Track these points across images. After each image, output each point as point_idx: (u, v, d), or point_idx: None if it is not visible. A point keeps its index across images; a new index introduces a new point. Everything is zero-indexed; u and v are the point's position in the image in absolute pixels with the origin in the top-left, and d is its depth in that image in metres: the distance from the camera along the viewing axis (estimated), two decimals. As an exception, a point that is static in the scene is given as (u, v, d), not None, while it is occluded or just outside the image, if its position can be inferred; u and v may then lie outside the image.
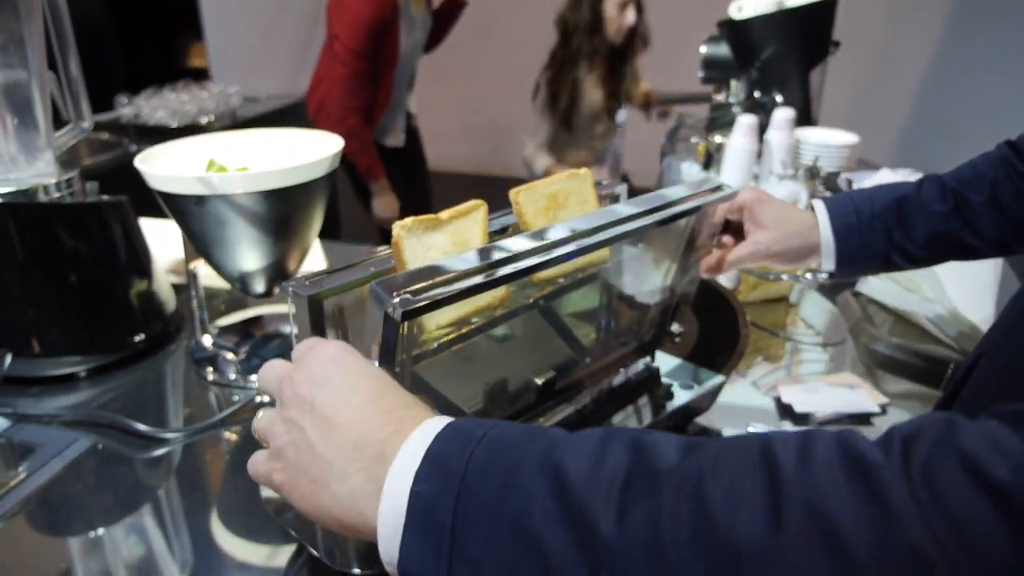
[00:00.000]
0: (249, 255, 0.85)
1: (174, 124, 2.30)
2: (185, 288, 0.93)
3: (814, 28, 1.68)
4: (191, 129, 2.34)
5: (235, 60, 3.87)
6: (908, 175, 1.50)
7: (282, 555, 0.66)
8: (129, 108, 2.37)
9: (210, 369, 0.93)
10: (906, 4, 3.54)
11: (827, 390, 0.87)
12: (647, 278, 0.77)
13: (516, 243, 0.55)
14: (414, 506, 0.37)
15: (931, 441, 0.31)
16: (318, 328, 0.55)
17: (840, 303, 1.11)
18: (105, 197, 0.94)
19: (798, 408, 0.84)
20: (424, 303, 0.46)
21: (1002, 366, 0.55)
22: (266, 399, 0.88)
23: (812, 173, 1.46)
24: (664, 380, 0.82)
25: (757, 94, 1.69)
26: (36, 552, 0.67)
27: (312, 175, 0.81)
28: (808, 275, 1.13)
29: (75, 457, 0.77)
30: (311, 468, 0.41)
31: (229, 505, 0.72)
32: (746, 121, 1.44)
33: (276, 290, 0.91)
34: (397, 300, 0.45)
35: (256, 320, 1.03)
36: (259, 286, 0.89)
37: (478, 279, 0.50)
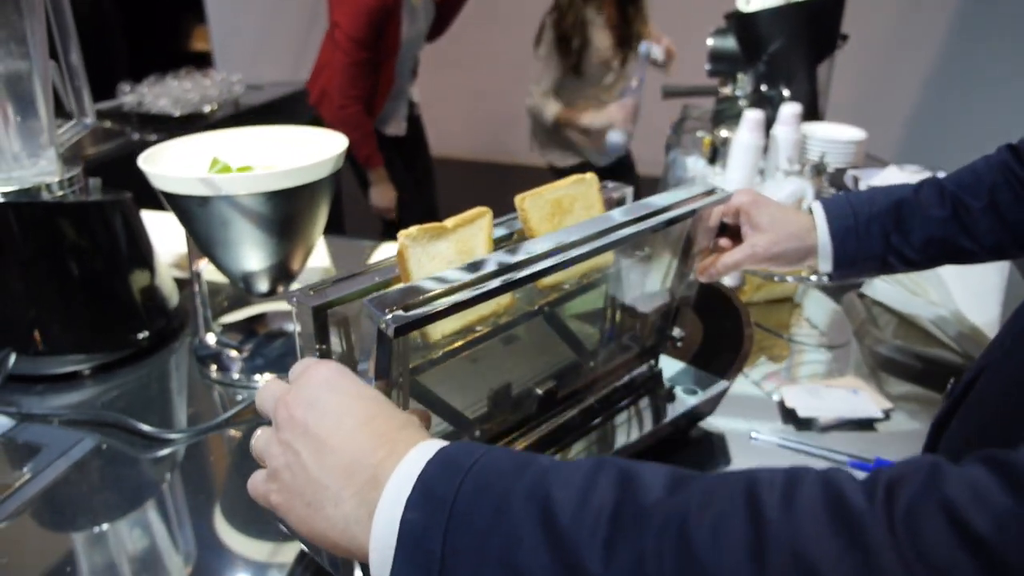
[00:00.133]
0: (253, 255, 0.85)
1: (177, 113, 2.29)
2: (188, 282, 0.93)
3: (822, 21, 1.66)
4: (193, 118, 2.33)
5: (238, 43, 3.85)
6: (916, 171, 1.49)
7: (286, 552, 0.66)
8: (132, 96, 2.36)
9: (214, 367, 0.93)
10: (914, -4, 3.51)
11: (831, 394, 0.87)
12: (645, 284, 0.77)
13: (508, 255, 0.55)
14: (404, 534, 0.37)
15: (915, 487, 0.31)
16: (323, 338, 0.55)
17: (845, 304, 1.10)
18: (108, 195, 0.94)
19: (801, 413, 0.84)
20: (416, 319, 0.47)
21: (1003, 382, 0.55)
22: (270, 399, 0.88)
23: (818, 169, 1.45)
24: (667, 384, 0.82)
25: (764, 88, 1.68)
26: (42, 552, 0.67)
27: (316, 176, 0.81)
28: (813, 276, 1.13)
29: (80, 457, 0.77)
30: (306, 491, 0.41)
31: (234, 504, 0.72)
32: (753, 116, 1.42)
33: (280, 289, 0.91)
34: (390, 316, 0.46)
35: (260, 318, 1.03)
36: (263, 285, 0.89)
37: (469, 293, 0.50)
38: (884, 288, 1.07)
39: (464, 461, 0.38)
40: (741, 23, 1.69)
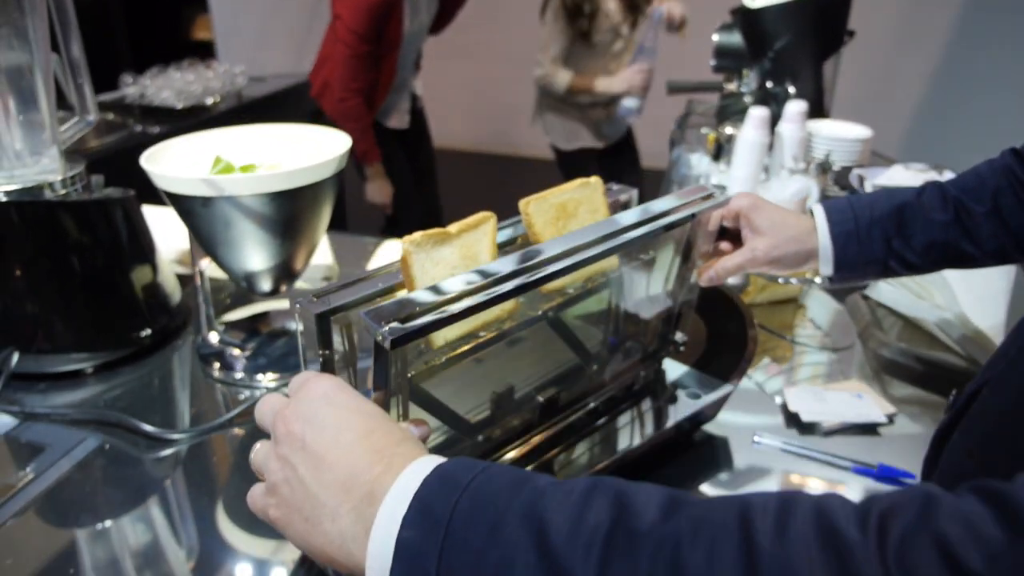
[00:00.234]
0: (256, 255, 0.84)
1: (179, 105, 2.28)
2: (190, 278, 0.93)
3: (829, 17, 1.65)
4: (196, 110, 2.32)
5: (241, 32, 3.84)
6: (921, 170, 1.48)
7: (291, 550, 0.67)
8: (134, 88, 2.35)
9: (216, 365, 0.93)
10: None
11: (835, 398, 0.87)
12: (646, 288, 0.77)
13: (507, 264, 0.55)
14: (400, 552, 0.37)
15: (908, 519, 0.31)
16: (326, 344, 0.55)
17: (849, 306, 1.10)
18: (111, 193, 0.93)
19: (805, 417, 0.84)
20: (413, 331, 0.47)
21: (1007, 395, 0.54)
22: (272, 398, 0.88)
23: (823, 168, 1.44)
24: (670, 387, 0.81)
25: (769, 84, 1.67)
26: (45, 553, 0.67)
27: (320, 176, 0.81)
28: (817, 279, 1.12)
29: (83, 457, 0.77)
30: (303, 506, 0.42)
31: (238, 503, 0.73)
32: (758, 114, 1.42)
33: (283, 288, 0.91)
34: (386, 329, 0.46)
35: (263, 316, 1.02)
36: (265, 285, 0.89)
37: (467, 304, 0.50)
38: (889, 291, 1.06)
39: (461, 478, 0.38)
40: (747, 19, 1.68)
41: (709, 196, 0.73)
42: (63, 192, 0.88)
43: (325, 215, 0.87)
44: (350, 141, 0.88)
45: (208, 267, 0.91)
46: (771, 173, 1.52)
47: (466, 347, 0.61)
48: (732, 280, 1.09)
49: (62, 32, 0.91)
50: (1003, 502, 0.30)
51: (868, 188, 1.42)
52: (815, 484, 0.77)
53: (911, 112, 3.56)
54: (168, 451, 0.80)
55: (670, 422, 0.77)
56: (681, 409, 0.78)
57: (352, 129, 2.17)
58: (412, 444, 0.43)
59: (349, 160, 0.82)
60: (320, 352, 0.55)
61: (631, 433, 0.77)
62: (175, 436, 0.81)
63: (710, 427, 0.84)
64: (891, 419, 0.86)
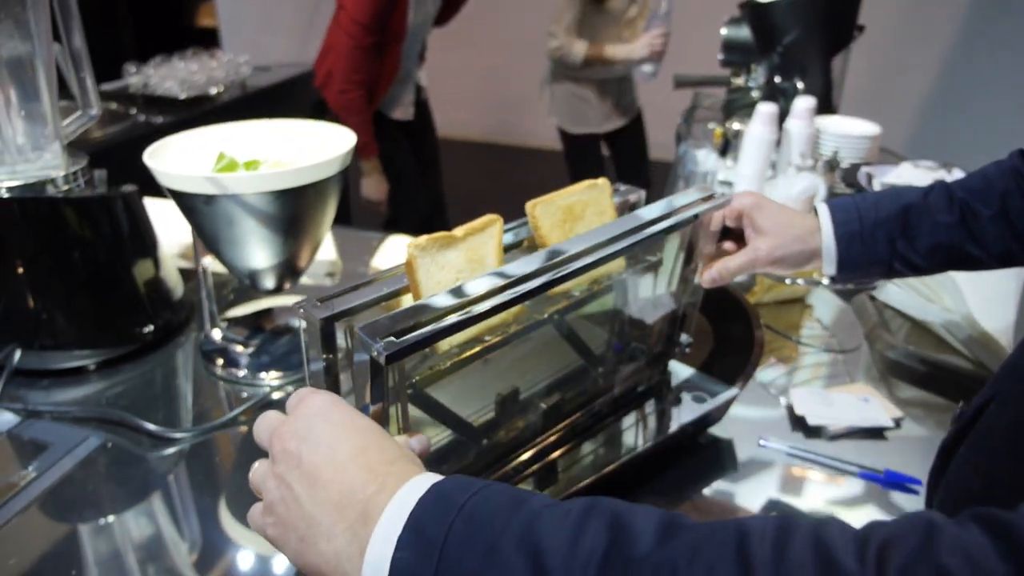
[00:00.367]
0: (259, 253, 0.84)
1: (183, 95, 2.27)
2: (193, 273, 0.92)
3: (839, 12, 1.63)
4: (200, 100, 2.31)
5: (246, 19, 3.82)
6: (930, 168, 1.47)
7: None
8: (137, 77, 2.34)
9: (220, 362, 0.92)
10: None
11: (841, 401, 0.86)
12: (650, 290, 0.76)
13: (504, 276, 0.55)
14: (395, 573, 0.37)
15: (908, 550, 0.30)
16: (330, 349, 0.55)
17: (856, 306, 1.09)
18: (113, 189, 0.93)
19: (811, 421, 0.83)
20: (409, 345, 0.47)
21: (1014, 413, 0.54)
22: (275, 397, 0.88)
23: (831, 165, 1.43)
24: (676, 390, 0.81)
25: (777, 79, 1.66)
26: (48, 552, 0.67)
27: (324, 174, 0.80)
28: (824, 280, 1.11)
29: (85, 455, 0.77)
30: (299, 526, 0.41)
31: (241, 501, 0.72)
32: (766, 110, 1.40)
33: (287, 285, 0.91)
34: (381, 344, 0.46)
35: (266, 313, 1.02)
36: (269, 282, 0.89)
37: (464, 315, 0.50)
38: (896, 292, 1.05)
39: (457, 499, 0.38)
40: (756, 13, 1.66)
41: (711, 196, 0.73)
42: (65, 188, 0.88)
43: (329, 212, 0.87)
44: (355, 138, 0.87)
45: (211, 263, 0.91)
46: (778, 170, 1.51)
47: (471, 352, 0.61)
48: (738, 279, 1.08)
49: (64, 22, 0.90)
50: (1006, 533, 0.30)
51: (876, 186, 1.40)
52: (821, 490, 0.77)
53: (920, 109, 3.53)
54: (171, 450, 0.79)
55: (675, 426, 0.76)
56: (686, 412, 0.78)
57: (352, 122, 2.16)
58: (407, 461, 0.43)
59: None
60: (324, 356, 0.55)
61: (636, 436, 0.77)
62: (178, 435, 0.80)
63: (715, 428, 0.83)
64: (898, 423, 0.85)
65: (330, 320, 0.53)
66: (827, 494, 0.76)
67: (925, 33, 3.47)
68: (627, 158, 2.73)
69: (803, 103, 1.46)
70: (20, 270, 0.86)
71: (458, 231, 0.59)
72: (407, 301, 0.58)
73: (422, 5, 2.24)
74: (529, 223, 0.66)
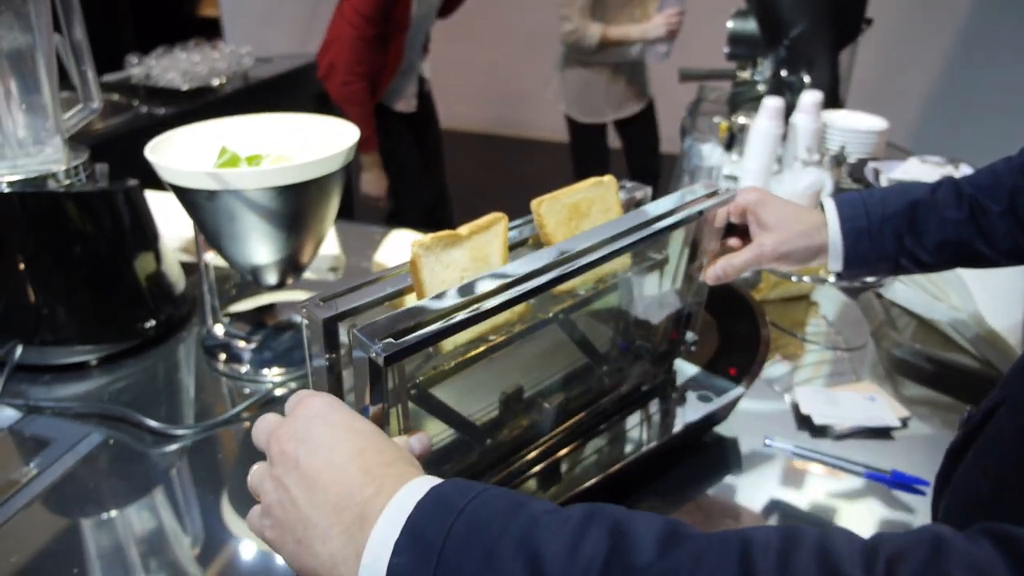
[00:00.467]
0: (261, 248, 0.83)
1: (185, 87, 2.26)
2: (195, 267, 0.92)
3: (846, 5, 1.62)
4: (202, 91, 2.30)
5: (248, 10, 3.80)
6: (938, 163, 1.46)
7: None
8: (139, 68, 2.33)
9: (223, 357, 0.92)
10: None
11: (847, 401, 0.86)
12: (655, 288, 0.76)
13: (503, 277, 0.54)
14: None
15: (916, 565, 0.30)
16: (333, 348, 0.54)
17: (862, 304, 1.08)
18: (115, 183, 0.92)
19: (817, 420, 0.83)
20: (407, 346, 0.47)
21: (1023, 419, 0.53)
22: (278, 393, 0.87)
23: (838, 160, 1.42)
24: (681, 389, 0.80)
25: (784, 73, 1.64)
26: (50, 549, 0.67)
27: (327, 170, 0.79)
28: (831, 278, 1.10)
29: (87, 452, 0.77)
30: (296, 528, 0.41)
31: (244, 499, 0.72)
32: (772, 104, 1.39)
33: (289, 280, 0.90)
34: (379, 346, 0.46)
35: (269, 308, 1.01)
36: (271, 278, 0.88)
37: (463, 315, 0.50)
38: (903, 290, 1.04)
39: (456, 502, 0.37)
40: (762, 5, 1.65)
41: (714, 193, 0.72)
42: (67, 182, 0.87)
43: (332, 208, 0.86)
44: (358, 132, 0.86)
45: (213, 258, 0.90)
46: (784, 165, 1.50)
47: (475, 351, 0.60)
48: (743, 275, 1.08)
49: (64, 13, 0.89)
50: (1017, 548, 0.29)
51: (883, 182, 1.39)
52: (827, 490, 0.76)
53: (927, 104, 3.50)
54: (173, 446, 0.79)
55: (680, 425, 0.76)
56: (691, 412, 0.77)
57: (354, 114, 2.15)
58: (405, 463, 0.42)
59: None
60: (327, 356, 0.54)
61: (640, 436, 0.76)
62: (180, 432, 0.80)
63: (720, 427, 0.83)
64: (905, 423, 0.84)
65: (333, 320, 0.53)
66: (833, 495, 0.76)
67: (933, 27, 3.44)
68: (638, 148, 2.71)
69: (810, 97, 1.45)
70: (21, 265, 0.86)
71: (462, 230, 0.58)
72: (411, 300, 0.57)
73: (426, -4, 2.22)
74: (534, 221, 0.65)
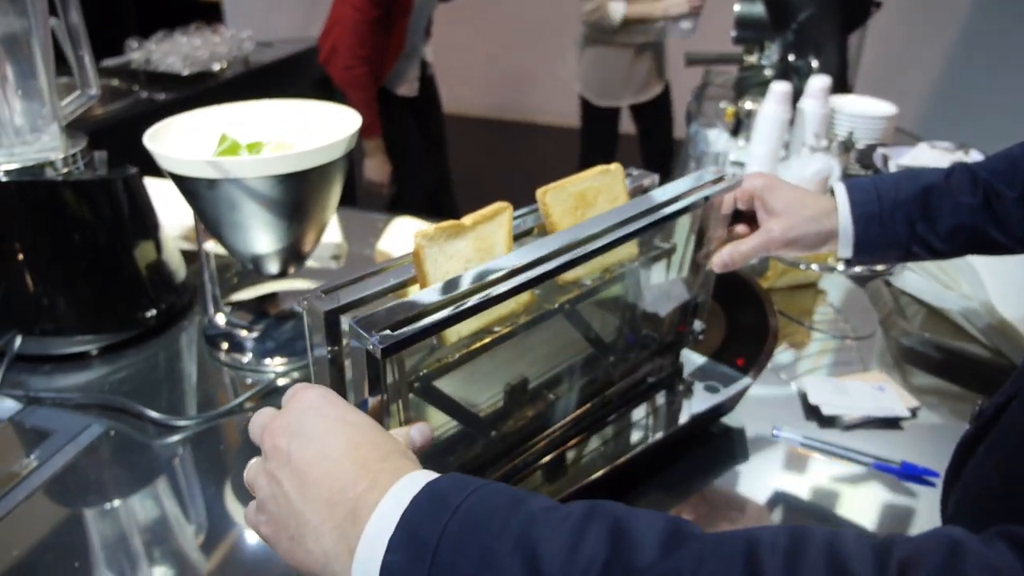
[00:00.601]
0: (263, 238, 0.82)
1: (185, 71, 2.23)
2: (196, 255, 0.91)
3: (856, -13, 1.59)
4: (203, 76, 2.28)
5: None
6: (948, 149, 1.44)
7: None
8: (139, 53, 2.30)
9: (224, 347, 0.91)
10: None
11: (856, 390, 0.85)
12: (661, 278, 0.75)
13: (504, 265, 0.53)
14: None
15: (931, 569, 0.29)
16: (334, 341, 0.53)
17: (871, 292, 1.07)
18: (113, 171, 0.91)
19: (825, 411, 0.82)
20: (405, 338, 0.46)
21: None
22: (280, 383, 0.87)
23: (846, 146, 1.40)
24: (688, 380, 0.79)
25: (792, 57, 1.62)
26: (51, 542, 0.66)
27: (329, 158, 0.78)
28: (840, 266, 1.09)
29: (88, 443, 0.76)
30: (289, 524, 0.40)
31: (247, 491, 0.71)
32: (780, 89, 1.37)
33: (291, 270, 0.89)
34: (376, 338, 0.45)
35: (271, 297, 1.00)
36: (273, 267, 0.87)
37: (461, 307, 0.49)
38: (913, 279, 1.03)
39: (452, 500, 0.36)
40: (770, -12, 1.62)
41: (720, 179, 0.70)
42: (65, 171, 0.86)
43: (334, 196, 0.85)
44: (360, 120, 0.85)
45: (214, 246, 0.89)
46: (791, 151, 1.48)
47: (480, 343, 0.59)
48: (751, 262, 1.06)
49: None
50: None
51: (892, 168, 1.38)
52: (835, 481, 0.75)
53: (938, 89, 3.45)
54: (175, 437, 0.78)
55: (687, 416, 0.75)
56: (698, 403, 0.76)
57: (357, 98, 2.13)
58: (399, 457, 0.41)
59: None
60: (328, 348, 0.53)
61: (647, 427, 0.75)
62: (182, 423, 0.79)
63: (728, 418, 0.82)
64: (914, 413, 0.83)
65: (334, 312, 0.52)
66: (841, 486, 0.75)
67: (943, 11, 3.39)
68: (654, 132, 2.68)
69: (818, 82, 1.43)
70: (20, 255, 0.85)
71: (467, 220, 0.57)
72: (415, 292, 0.56)
73: (429, -22, 2.20)
74: (540, 210, 0.64)
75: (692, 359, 0.82)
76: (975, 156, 1.40)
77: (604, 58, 2.45)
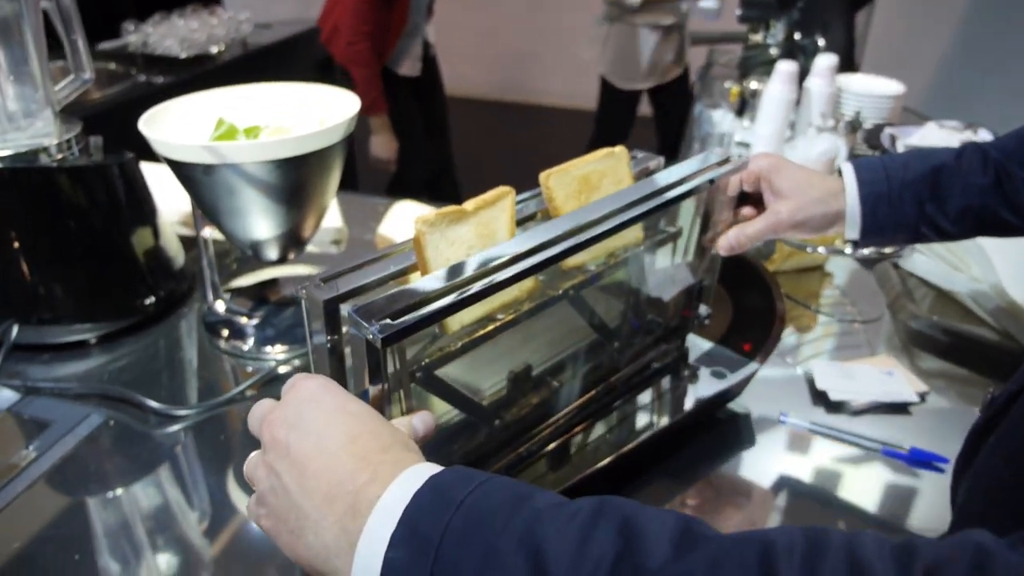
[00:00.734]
0: (261, 223, 0.81)
1: (183, 55, 2.21)
2: (194, 240, 0.90)
3: (863, -36, 1.56)
4: (201, 59, 2.25)
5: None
6: (956, 128, 1.42)
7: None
8: (136, 36, 2.28)
9: (224, 334, 0.90)
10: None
11: (864, 375, 0.84)
12: (666, 262, 0.73)
13: (506, 251, 0.52)
14: (387, 573, 0.35)
15: None
16: (334, 330, 0.52)
17: (878, 274, 1.05)
18: (109, 156, 0.89)
19: (833, 396, 0.81)
20: (405, 327, 0.45)
21: None
22: (281, 371, 0.86)
23: (853, 126, 1.38)
24: (694, 366, 0.78)
25: (797, 36, 1.59)
26: (50, 533, 0.66)
27: (328, 142, 0.77)
28: (848, 249, 1.07)
29: (87, 434, 0.75)
30: (289, 517, 0.39)
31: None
32: (785, 68, 1.35)
33: (291, 255, 0.88)
34: (376, 327, 0.44)
35: (271, 283, 0.99)
36: (272, 253, 0.86)
37: (462, 295, 0.48)
38: (922, 261, 1.02)
39: (455, 494, 0.35)
40: (776, -35, 1.59)
41: (726, 160, 0.69)
42: (59, 156, 0.84)
43: (334, 181, 0.83)
44: (359, 103, 0.83)
45: (212, 232, 0.88)
46: (797, 131, 1.46)
47: (483, 331, 0.58)
48: (757, 245, 1.05)
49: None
50: None
51: (900, 148, 1.36)
52: (843, 468, 0.74)
53: (946, 67, 3.40)
54: (175, 427, 0.78)
55: (693, 402, 0.74)
56: (704, 388, 0.75)
57: (360, 75, 2.11)
58: (401, 449, 0.40)
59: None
60: (328, 337, 0.52)
61: (653, 414, 0.74)
62: (182, 412, 0.78)
63: (735, 403, 0.81)
64: (923, 398, 0.82)
65: (334, 301, 0.50)
66: (849, 472, 0.74)
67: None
68: (672, 115, 2.66)
69: (824, 61, 1.41)
70: (15, 243, 0.83)
71: (468, 205, 0.56)
72: (416, 279, 0.55)
73: (430, -43, 2.17)
74: (543, 194, 0.63)
75: (698, 344, 0.81)
76: (984, 135, 1.38)
77: (627, 38, 2.42)
